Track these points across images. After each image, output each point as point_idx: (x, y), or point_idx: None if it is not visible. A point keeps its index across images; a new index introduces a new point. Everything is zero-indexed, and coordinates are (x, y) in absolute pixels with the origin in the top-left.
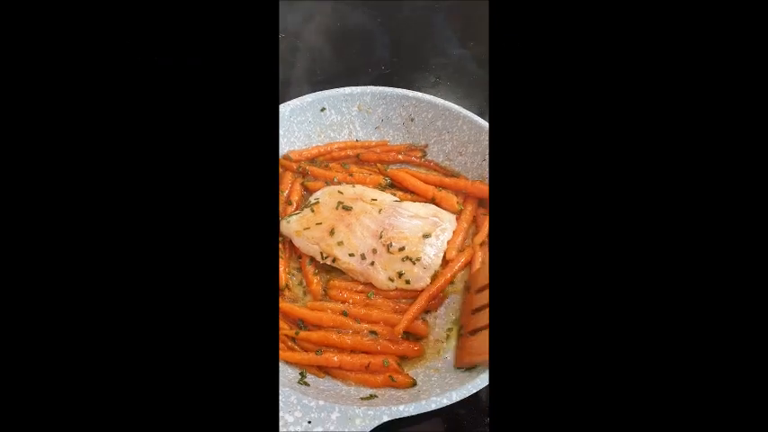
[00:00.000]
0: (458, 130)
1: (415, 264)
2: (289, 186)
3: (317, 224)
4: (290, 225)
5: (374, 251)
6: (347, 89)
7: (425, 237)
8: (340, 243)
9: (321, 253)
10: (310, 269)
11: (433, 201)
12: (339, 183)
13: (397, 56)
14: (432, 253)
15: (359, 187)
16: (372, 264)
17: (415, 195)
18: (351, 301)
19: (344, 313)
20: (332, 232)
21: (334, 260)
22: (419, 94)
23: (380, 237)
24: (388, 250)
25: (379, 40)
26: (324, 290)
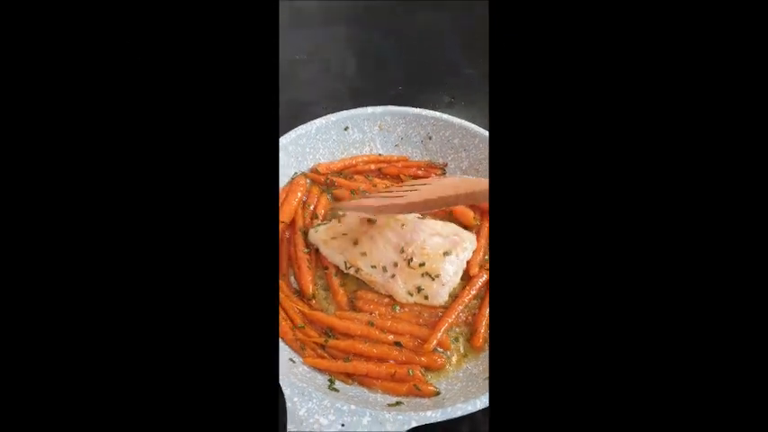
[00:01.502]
0: (474, 147)
1: (434, 280)
2: (315, 199)
3: (342, 234)
4: (318, 234)
5: (395, 264)
6: (369, 109)
7: (446, 254)
8: (363, 254)
9: (345, 262)
10: (336, 280)
11: (450, 215)
12: (363, 192)
13: (412, 76)
14: (451, 271)
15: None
16: (393, 276)
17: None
18: (377, 312)
19: (371, 323)
20: (356, 243)
21: (357, 270)
22: (437, 114)
23: (402, 251)
24: (409, 265)
25: (393, 62)
26: (351, 300)
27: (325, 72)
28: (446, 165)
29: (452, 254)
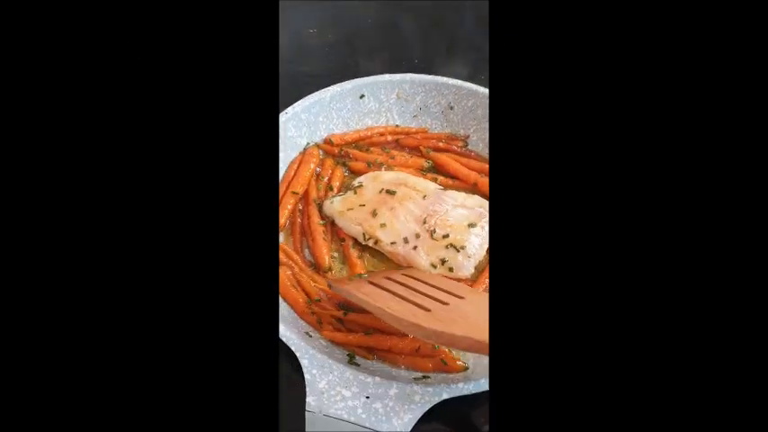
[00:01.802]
0: None
1: (459, 252)
2: (330, 172)
3: (360, 206)
4: (333, 205)
5: (417, 236)
6: (386, 76)
7: (471, 226)
8: (383, 225)
9: (363, 234)
10: (354, 252)
11: (474, 186)
12: (380, 165)
13: (430, 50)
14: (477, 243)
15: (401, 173)
16: (415, 248)
17: (457, 180)
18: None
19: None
20: (374, 214)
21: (376, 242)
22: (459, 82)
23: (424, 222)
24: (432, 236)
25: (411, 36)
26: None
27: (337, 45)
28: (468, 137)
29: (478, 226)
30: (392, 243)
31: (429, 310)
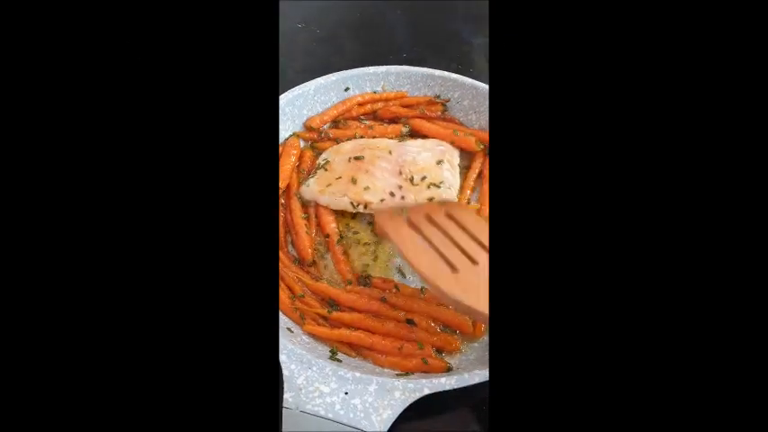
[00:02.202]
0: (486, 110)
1: (440, 187)
2: (297, 155)
3: (336, 179)
4: (311, 188)
5: (399, 187)
6: (371, 68)
7: (439, 163)
8: (366, 188)
9: (351, 203)
10: (338, 249)
11: (452, 144)
12: (361, 137)
13: (418, 44)
14: (449, 175)
15: (360, 140)
16: (402, 198)
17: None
18: (394, 290)
19: (383, 299)
20: (354, 181)
21: (365, 206)
22: (445, 73)
23: (400, 173)
24: (412, 183)
25: (399, 30)
26: (367, 278)
27: (326, 40)
28: (448, 100)
29: (444, 161)
30: (381, 200)
31: (457, 270)
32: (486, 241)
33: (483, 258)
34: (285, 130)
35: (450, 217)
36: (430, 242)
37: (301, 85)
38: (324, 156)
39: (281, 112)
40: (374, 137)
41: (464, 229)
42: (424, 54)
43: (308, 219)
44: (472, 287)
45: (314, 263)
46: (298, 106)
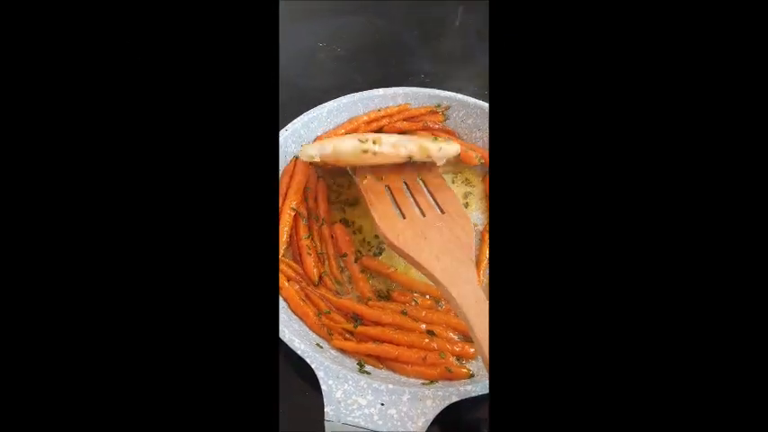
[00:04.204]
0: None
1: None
2: (306, 177)
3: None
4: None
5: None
6: (380, 90)
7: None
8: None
9: (360, 139)
10: (356, 267)
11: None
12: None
13: (436, 67)
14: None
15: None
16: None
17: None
18: (413, 303)
19: (404, 312)
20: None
21: (375, 153)
22: (450, 93)
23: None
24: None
25: (417, 52)
26: (387, 292)
27: (345, 60)
28: (448, 108)
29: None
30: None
31: (404, 218)
32: (441, 201)
33: (432, 214)
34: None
35: (421, 178)
36: (390, 191)
37: (314, 109)
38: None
39: (295, 135)
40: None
41: (427, 188)
42: (442, 74)
43: (311, 238)
44: (416, 235)
45: (320, 280)
46: (312, 129)
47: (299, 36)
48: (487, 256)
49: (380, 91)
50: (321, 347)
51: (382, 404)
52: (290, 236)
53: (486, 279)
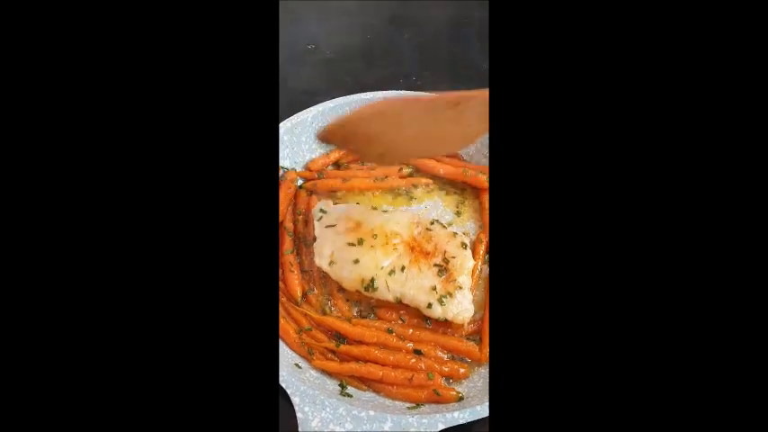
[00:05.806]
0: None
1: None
2: (293, 192)
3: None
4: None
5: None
6: (369, 94)
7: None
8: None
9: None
10: (340, 296)
11: (464, 182)
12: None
13: (427, 69)
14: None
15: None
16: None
17: (445, 179)
18: (399, 321)
19: (390, 331)
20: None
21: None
22: None
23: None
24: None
25: (408, 54)
26: (372, 308)
27: (334, 62)
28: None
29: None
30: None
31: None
32: None
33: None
34: (284, 158)
35: None
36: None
37: (299, 113)
38: (320, 206)
39: (280, 140)
40: (379, 177)
41: None
42: (434, 77)
43: (292, 254)
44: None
45: (303, 299)
46: (296, 134)
47: (286, 37)
48: (480, 268)
49: (369, 94)
50: (300, 368)
51: None
52: None
53: (481, 293)
